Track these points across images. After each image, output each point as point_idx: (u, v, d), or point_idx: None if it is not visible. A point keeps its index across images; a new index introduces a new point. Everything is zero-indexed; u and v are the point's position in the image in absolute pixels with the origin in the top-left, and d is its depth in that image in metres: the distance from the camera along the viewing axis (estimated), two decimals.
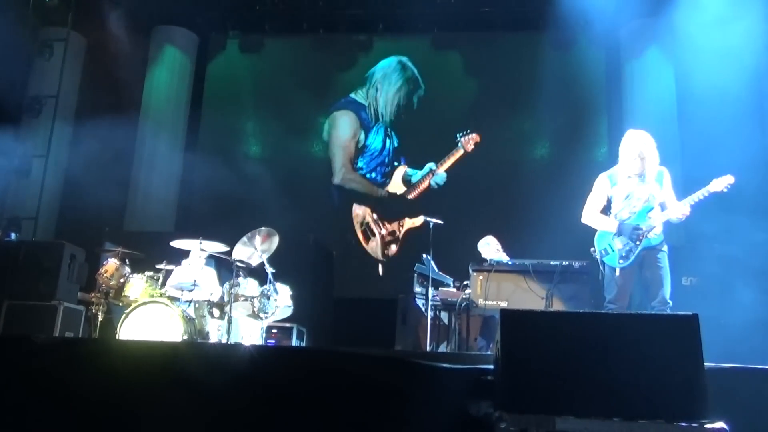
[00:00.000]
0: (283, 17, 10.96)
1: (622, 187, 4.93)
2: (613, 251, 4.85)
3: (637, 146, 4.88)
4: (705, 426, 2.43)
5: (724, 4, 8.65)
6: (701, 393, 2.50)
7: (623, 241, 4.81)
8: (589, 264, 5.42)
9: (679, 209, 4.67)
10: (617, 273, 4.81)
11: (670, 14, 9.18)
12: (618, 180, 4.97)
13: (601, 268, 4.96)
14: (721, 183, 4.62)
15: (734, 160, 8.03)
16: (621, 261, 4.80)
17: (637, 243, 4.75)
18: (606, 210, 5.03)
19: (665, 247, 4.83)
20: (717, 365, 3.14)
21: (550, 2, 9.45)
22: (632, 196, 4.88)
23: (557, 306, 5.68)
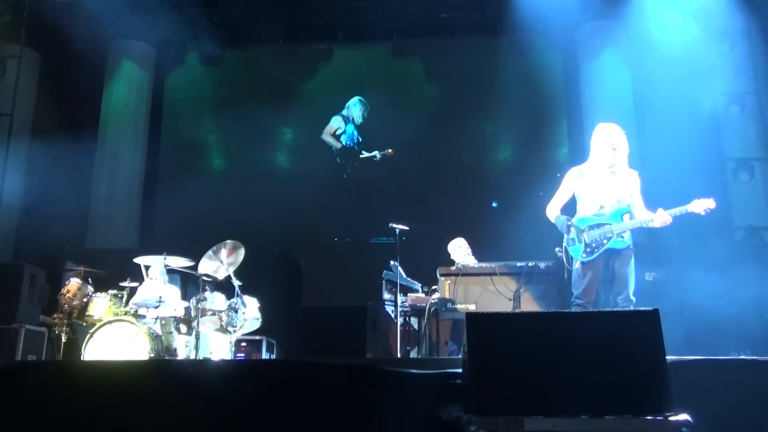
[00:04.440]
0: (242, 28, 10.89)
1: (592, 180, 4.92)
2: (580, 243, 4.83)
3: (609, 138, 4.90)
4: (669, 419, 2.48)
5: (675, 5, 8.89)
6: (664, 386, 2.54)
7: (591, 237, 4.79)
8: (554, 264, 5.46)
9: (663, 217, 4.67)
10: (576, 265, 4.82)
11: (623, 16, 9.37)
12: (588, 173, 4.96)
13: (564, 259, 4.94)
14: (701, 205, 4.60)
15: (690, 159, 8.30)
16: (584, 255, 4.80)
17: (604, 242, 4.76)
18: (572, 206, 5.03)
19: (631, 248, 4.84)
20: (679, 358, 3.22)
21: (507, 7, 9.57)
22: (603, 188, 4.86)
23: (525, 306, 5.71)
